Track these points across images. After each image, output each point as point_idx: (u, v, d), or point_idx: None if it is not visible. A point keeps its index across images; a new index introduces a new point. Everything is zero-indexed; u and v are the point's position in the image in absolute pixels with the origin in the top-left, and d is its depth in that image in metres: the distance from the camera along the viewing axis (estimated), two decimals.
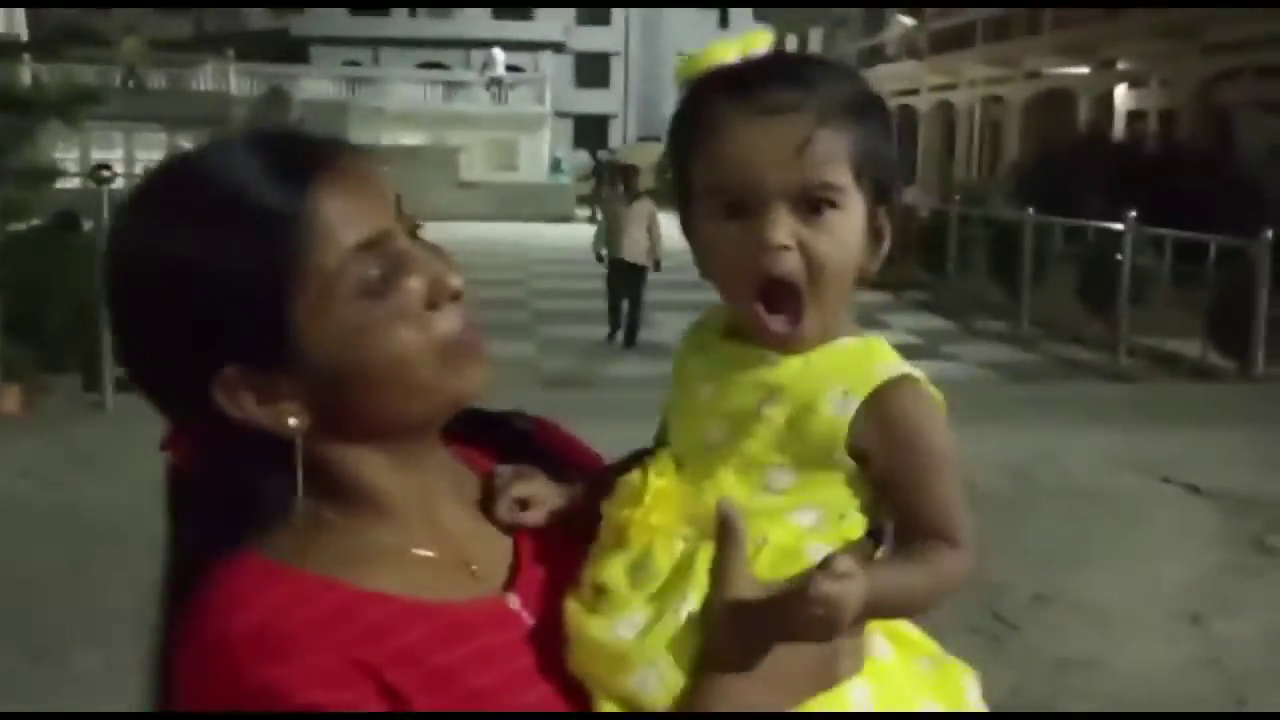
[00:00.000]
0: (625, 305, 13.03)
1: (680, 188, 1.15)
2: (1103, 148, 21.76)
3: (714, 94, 1.11)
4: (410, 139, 37.33)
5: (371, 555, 1.06)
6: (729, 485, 1.10)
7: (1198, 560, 6.08)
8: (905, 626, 1.17)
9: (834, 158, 1.09)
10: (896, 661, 1.14)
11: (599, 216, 17.16)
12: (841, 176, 1.09)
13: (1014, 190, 19.89)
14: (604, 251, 13.23)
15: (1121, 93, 27.07)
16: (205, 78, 38.07)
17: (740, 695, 1.03)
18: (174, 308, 1.02)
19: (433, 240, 1.10)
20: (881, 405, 1.09)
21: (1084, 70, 27.24)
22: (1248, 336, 11.18)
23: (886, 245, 1.16)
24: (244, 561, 1.02)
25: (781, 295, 1.10)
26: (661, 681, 1.05)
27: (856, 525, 1.11)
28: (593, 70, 60.61)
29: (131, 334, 1.07)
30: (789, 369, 1.12)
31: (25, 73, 10.03)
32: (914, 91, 35.25)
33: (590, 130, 57.61)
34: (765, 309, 1.10)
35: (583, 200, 35.17)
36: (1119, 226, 13.05)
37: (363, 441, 1.07)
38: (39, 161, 10.90)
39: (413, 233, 1.08)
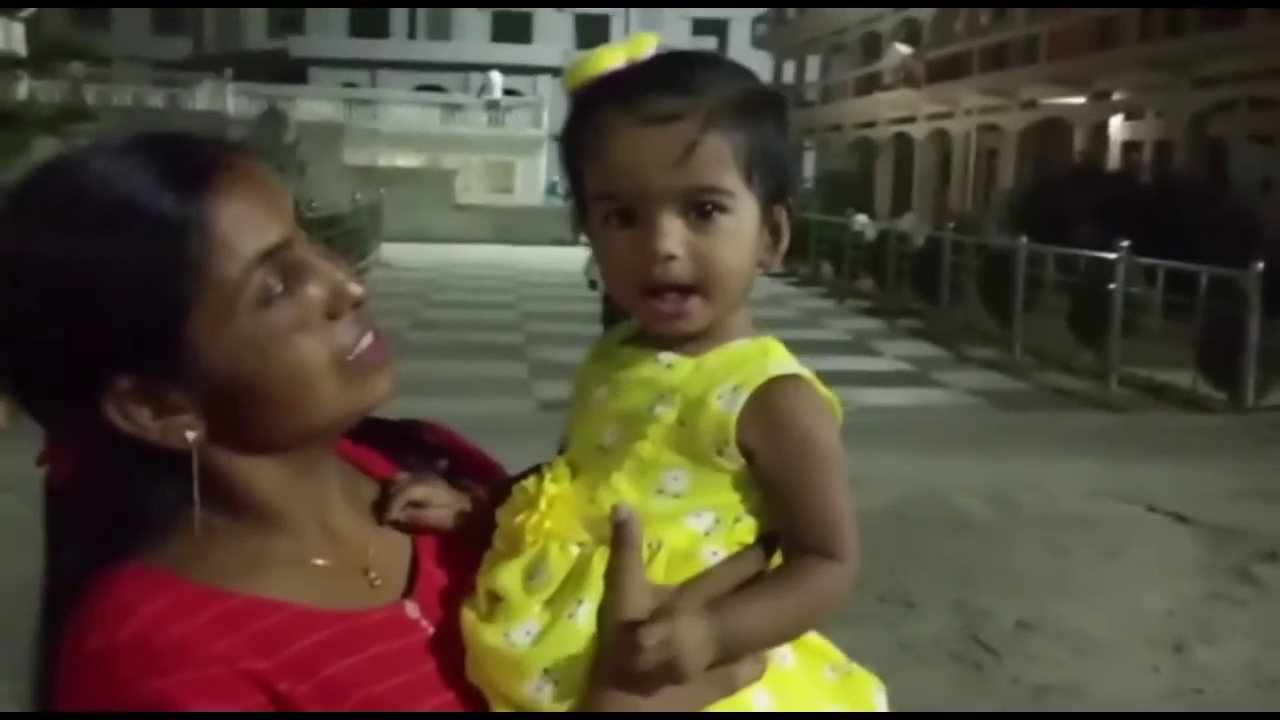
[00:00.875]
0: None
1: (574, 195, 1.16)
2: (1097, 177, 21.83)
3: (599, 103, 1.10)
4: (407, 160, 37.48)
5: (263, 564, 1.03)
6: (623, 489, 1.09)
7: (1182, 589, 6.06)
8: (812, 635, 1.15)
9: (720, 162, 1.08)
10: (799, 669, 1.12)
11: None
12: (728, 180, 1.09)
13: (1008, 218, 19.95)
14: (597, 278, 12.76)
15: (1117, 123, 27.18)
16: (202, 97, 38.18)
17: (635, 704, 1.02)
18: (63, 319, 0.97)
19: (325, 250, 1.07)
20: (768, 401, 1.08)
21: (1079, 101, 27.34)
22: (1238, 367, 11.19)
23: (785, 242, 1.16)
24: (126, 573, 0.98)
25: (677, 299, 1.10)
26: (556, 689, 1.04)
27: (750, 529, 1.10)
28: (594, 32, 60.63)
29: (12, 346, 1.00)
30: (682, 369, 1.12)
31: (22, 89, 10.01)
32: (910, 119, 35.37)
33: None
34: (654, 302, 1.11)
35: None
36: (1112, 256, 13.07)
37: (258, 453, 1.04)
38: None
39: (308, 239, 1.05)
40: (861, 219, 23.51)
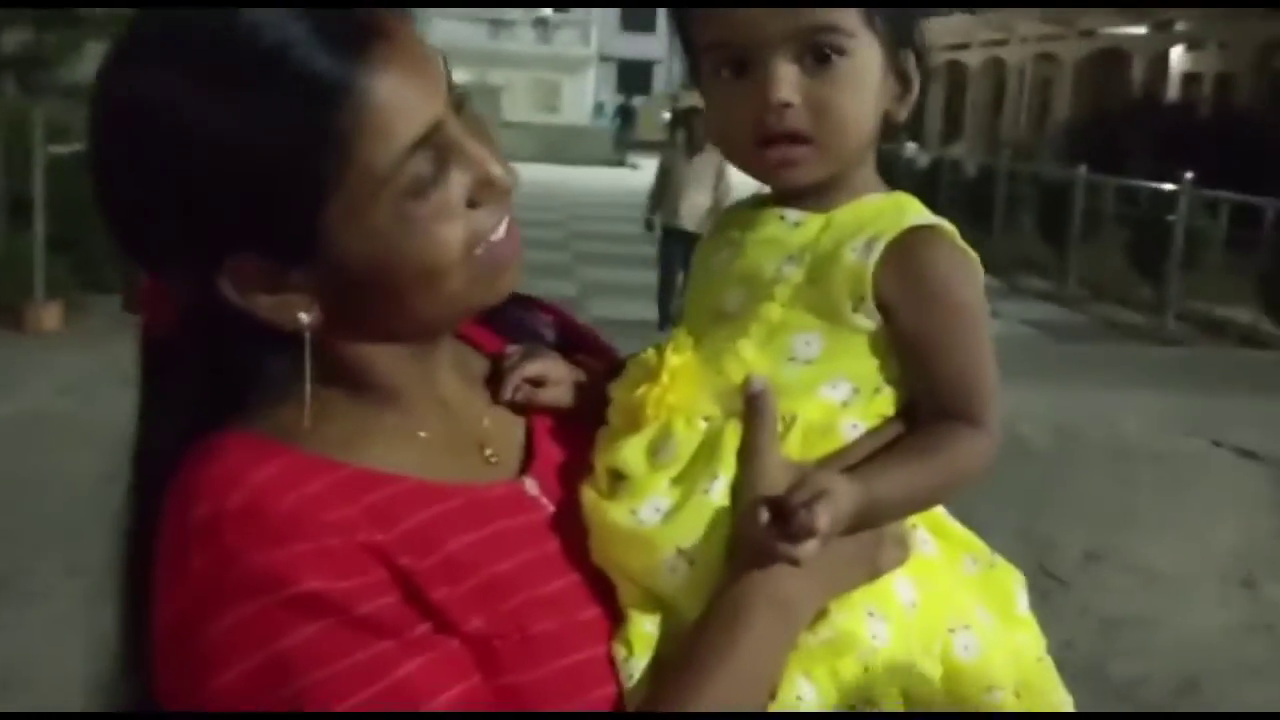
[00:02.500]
0: (682, 282, 9.61)
1: (686, 47, 1.09)
2: (1157, 109, 21.44)
3: None
4: (454, 76, 37.26)
5: (375, 435, 0.97)
6: (751, 357, 1.02)
7: (1251, 525, 5.96)
8: (951, 522, 1.10)
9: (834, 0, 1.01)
10: (942, 559, 1.07)
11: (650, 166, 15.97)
12: (847, 19, 1.02)
13: (1065, 149, 19.63)
14: (656, 218, 10.88)
15: (1178, 54, 26.63)
16: None
17: (776, 585, 0.95)
18: (192, 179, 0.88)
19: (477, 116, 0.98)
20: (908, 252, 1.01)
21: (1140, 30, 26.80)
22: None
23: (915, 91, 1.09)
24: (232, 438, 0.91)
25: (791, 148, 1.03)
26: (691, 568, 0.98)
27: (890, 400, 1.03)
28: (639, 14, 60.18)
29: (124, 201, 0.93)
30: (811, 226, 1.05)
31: None
32: (964, 46, 34.80)
33: (635, 76, 57.22)
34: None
35: (633, 146, 34.99)
36: (1173, 188, 12.82)
37: (375, 339, 0.98)
38: (86, 80, 10.86)
39: (459, 109, 0.96)
40: (912, 146, 23.22)
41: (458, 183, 0.93)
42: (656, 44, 59.76)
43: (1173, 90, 25.94)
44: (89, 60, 11.10)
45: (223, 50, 0.87)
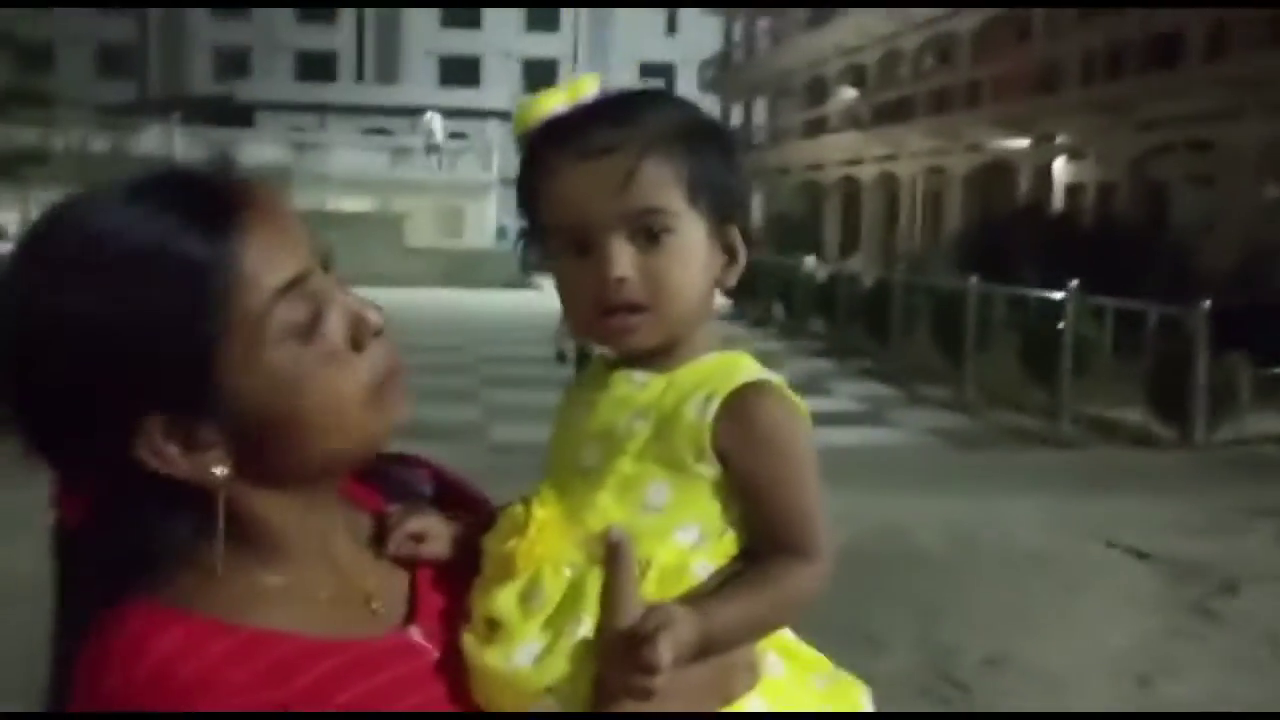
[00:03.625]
0: None
1: (532, 232, 1.21)
2: (1042, 219, 22.11)
3: (545, 143, 1.17)
4: (356, 205, 37.34)
5: (268, 596, 1.04)
6: (609, 508, 1.12)
7: (1144, 624, 6.10)
8: (797, 644, 1.20)
9: (661, 185, 1.14)
10: (790, 678, 1.17)
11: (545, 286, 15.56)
12: (672, 201, 1.14)
13: (956, 259, 20.15)
14: (567, 350, 10.15)
15: (1060, 165, 27.56)
16: (148, 141, 37.95)
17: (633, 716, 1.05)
18: (91, 366, 0.96)
19: (340, 278, 1.08)
20: (739, 406, 1.12)
21: (1024, 143, 27.72)
22: (1187, 404, 11.33)
23: (742, 261, 1.21)
24: (134, 609, 0.97)
25: (628, 316, 1.15)
26: (562, 706, 1.07)
27: (734, 541, 1.14)
28: (542, 77, 60.90)
29: (37, 394, 0.99)
30: (655, 386, 1.16)
31: None
32: (858, 162, 35.71)
33: None
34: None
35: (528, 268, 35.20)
36: (1060, 296, 13.21)
37: (277, 486, 1.04)
38: None
39: (325, 266, 1.06)
40: (811, 260, 23.69)
41: (335, 327, 1.02)
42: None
43: (1058, 200, 26.78)
44: None
45: (99, 252, 0.97)
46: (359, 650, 1.03)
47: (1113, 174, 24.76)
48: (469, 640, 1.09)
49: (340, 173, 39.91)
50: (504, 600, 1.09)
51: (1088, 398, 12.58)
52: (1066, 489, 9.09)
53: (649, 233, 1.14)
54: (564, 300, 1.19)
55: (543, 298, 28.25)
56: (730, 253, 1.20)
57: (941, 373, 15.74)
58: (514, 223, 1.20)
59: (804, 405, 1.17)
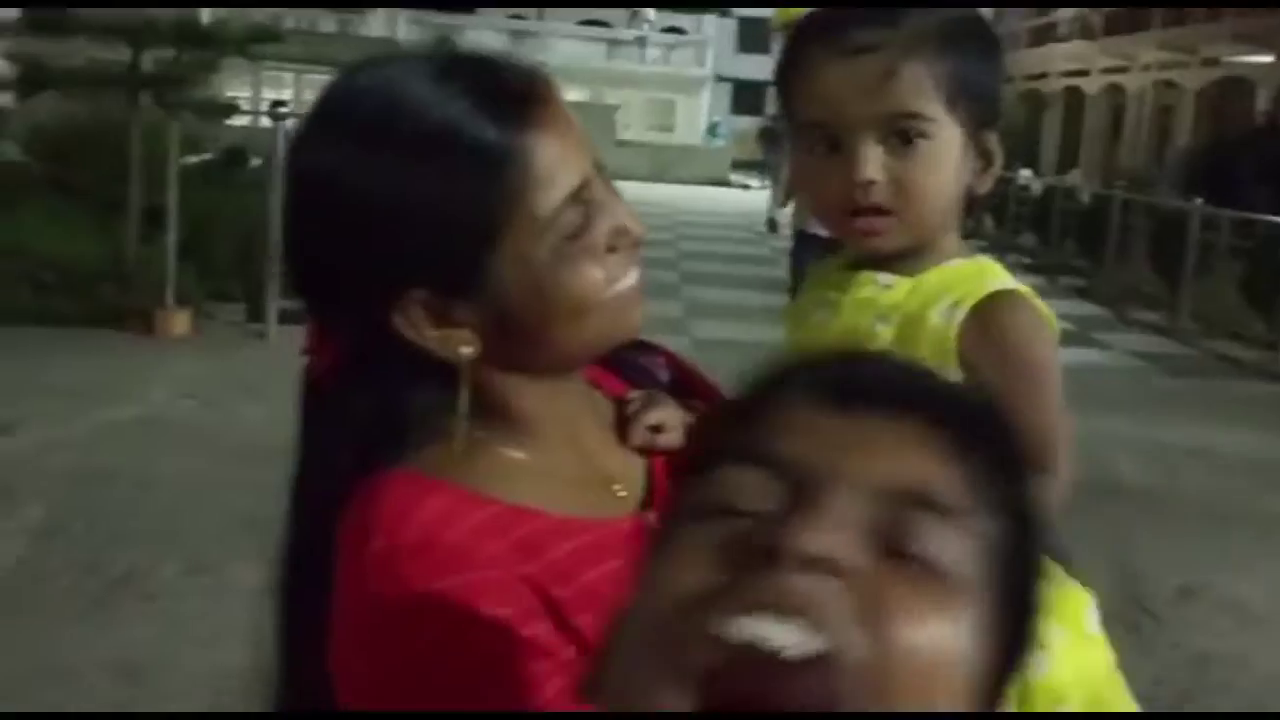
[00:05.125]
0: None
1: (790, 127, 1.22)
2: (1276, 139, 20.97)
3: (805, 39, 1.17)
4: (571, 95, 37.51)
5: (518, 473, 1.07)
6: None
7: None
8: None
9: (919, 88, 1.13)
10: None
11: (772, 181, 15.93)
12: (928, 106, 1.14)
13: (1181, 179, 19.31)
14: (778, 218, 10.96)
15: None
16: (374, 24, 38.71)
17: None
18: (376, 229, 1.01)
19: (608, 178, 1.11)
20: (987, 316, 1.13)
21: (1265, 59, 26.24)
22: None
23: (997, 167, 1.20)
24: (399, 477, 1.02)
25: (874, 219, 1.16)
26: None
27: None
28: (754, 36, 60.14)
29: (315, 251, 1.06)
30: (900, 289, 1.17)
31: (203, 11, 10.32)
32: (1083, 73, 34.31)
33: (748, 97, 57.27)
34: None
35: (741, 165, 35.02)
36: None
37: (521, 371, 1.08)
38: (216, 97, 11.26)
39: (599, 168, 1.09)
40: (1026, 173, 22.96)
41: (600, 230, 1.06)
42: (771, 66, 59.45)
43: None
44: (222, 77, 11.51)
45: (396, 128, 1.01)
46: (602, 531, 1.06)
47: None
48: None
49: (556, 62, 40.09)
50: None
51: None
52: (1278, 424, 8.76)
53: (903, 136, 1.14)
54: (812, 196, 1.20)
55: (752, 196, 28.08)
56: (986, 158, 1.19)
57: (1156, 297, 15.19)
58: (726, 119, 1.23)
59: (1052, 317, 1.16)
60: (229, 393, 7.50)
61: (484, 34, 40.86)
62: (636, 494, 1.16)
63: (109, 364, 8.04)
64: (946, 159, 1.16)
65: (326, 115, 1.05)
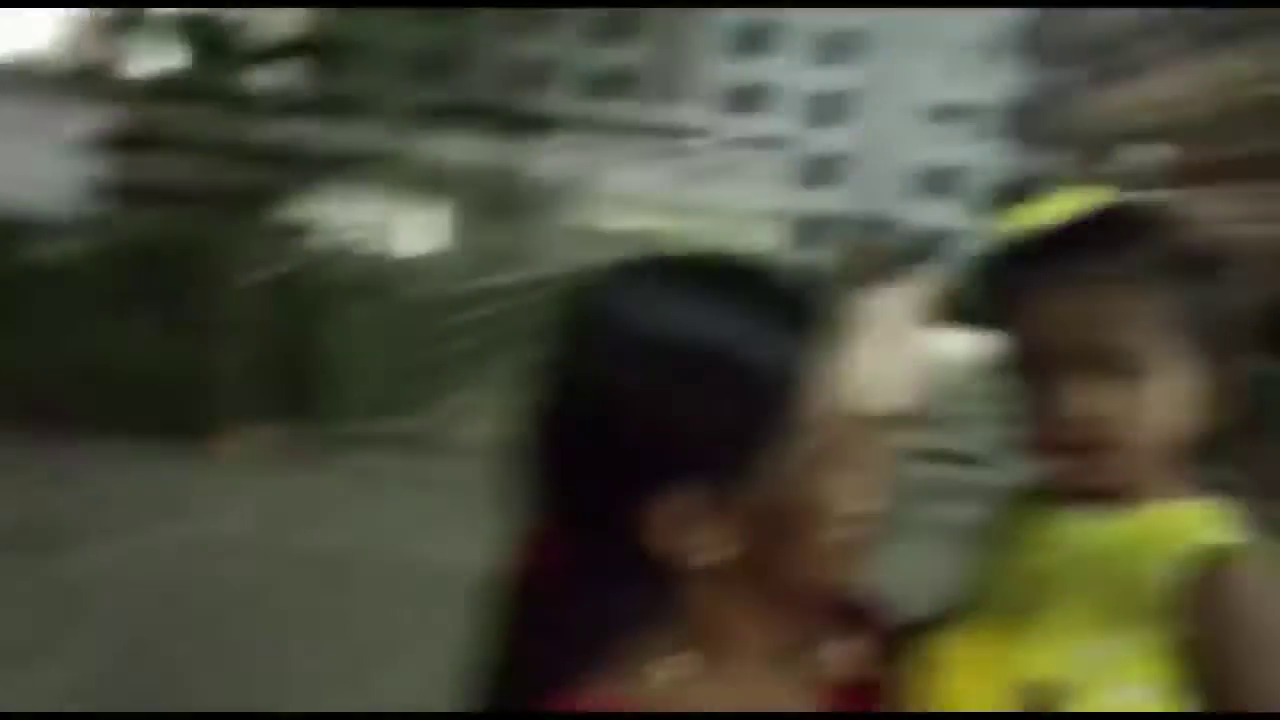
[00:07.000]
0: None
1: (1002, 345, 1.15)
2: None
3: (1024, 258, 1.11)
4: (635, 222, 38.02)
5: (698, 697, 1.00)
6: (1041, 657, 1.04)
7: None
8: None
9: (1133, 322, 1.06)
10: None
11: None
12: (1144, 341, 1.06)
13: (1268, 338, 19.07)
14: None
15: None
16: (444, 147, 39.24)
17: None
18: (646, 439, 0.97)
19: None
20: (1216, 576, 1.02)
21: None
22: None
23: (1230, 405, 1.10)
24: (603, 701, 0.98)
25: (1074, 458, 1.08)
26: None
27: (1179, 705, 1.03)
28: (820, 170, 60.87)
29: (586, 451, 1.00)
30: (1105, 532, 1.07)
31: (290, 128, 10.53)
32: None
33: (809, 230, 57.87)
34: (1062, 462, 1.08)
35: None
36: None
37: (754, 592, 1.02)
38: (290, 216, 11.40)
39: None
40: None
41: (857, 457, 1.01)
42: (836, 197, 60.10)
43: None
44: (291, 200, 11.68)
45: (667, 347, 0.98)
46: None
47: None
48: None
49: (620, 191, 40.66)
50: None
51: None
52: None
53: (1118, 372, 1.06)
54: (1027, 421, 1.12)
55: None
56: (1225, 393, 1.10)
57: (1245, 458, 14.78)
58: (995, 330, 1.15)
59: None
60: (286, 512, 7.45)
61: (554, 159, 41.54)
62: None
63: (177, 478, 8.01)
64: (1164, 395, 1.07)
65: (636, 282, 1.02)
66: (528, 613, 1.07)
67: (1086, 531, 1.08)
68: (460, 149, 39.18)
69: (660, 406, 0.97)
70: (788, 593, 1.03)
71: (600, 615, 1.01)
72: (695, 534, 0.98)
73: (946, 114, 57.46)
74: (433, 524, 7.08)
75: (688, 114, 57.58)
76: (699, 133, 52.54)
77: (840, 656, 1.10)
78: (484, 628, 1.09)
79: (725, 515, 0.98)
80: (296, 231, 10.96)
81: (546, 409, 1.02)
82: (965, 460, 9.11)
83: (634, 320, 1.00)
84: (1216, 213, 30.59)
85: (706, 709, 1.01)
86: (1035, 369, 1.10)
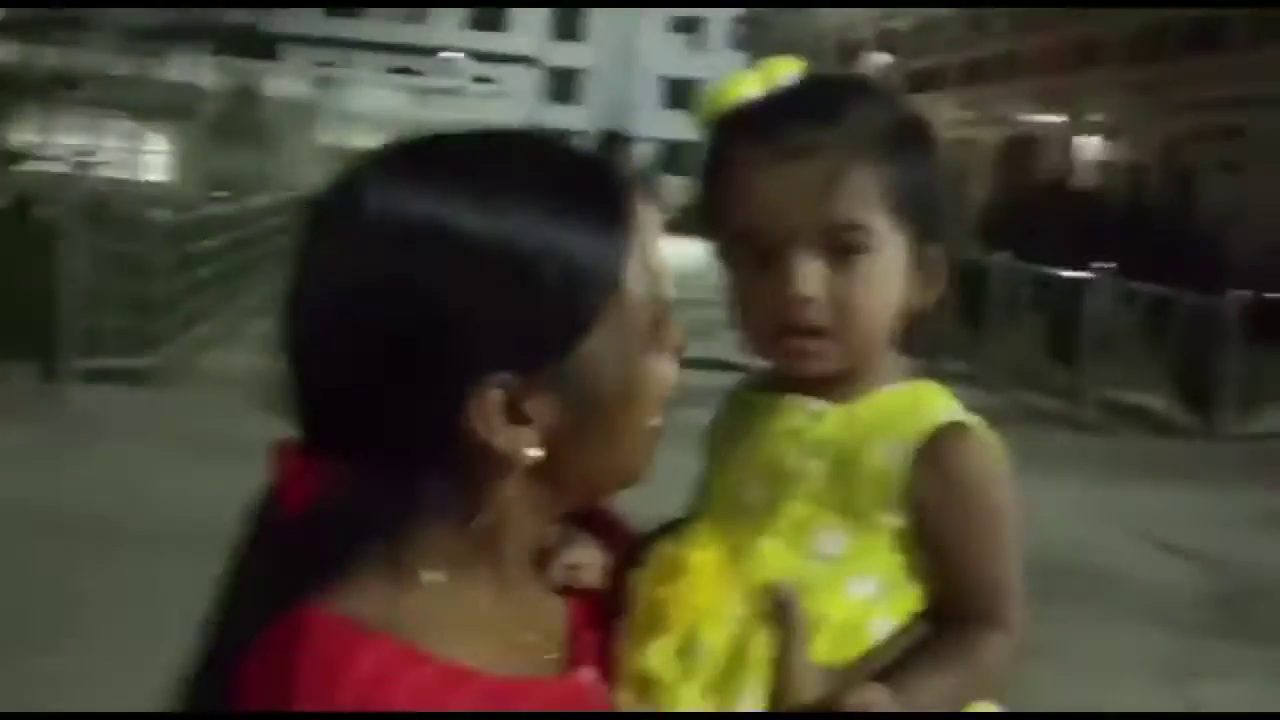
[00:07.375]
0: None
1: (714, 233, 1.09)
2: (1070, 197, 21.94)
3: (735, 135, 1.05)
4: (377, 142, 37.11)
5: (461, 625, 0.93)
6: (774, 555, 1.01)
7: (1176, 620, 6.05)
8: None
9: (862, 197, 1.02)
10: None
11: None
12: (871, 217, 1.02)
13: (981, 233, 20.01)
14: None
15: (1091, 144, 27.33)
16: (176, 69, 37.57)
17: None
18: (473, 302, 0.87)
19: None
20: (939, 452, 1.01)
21: (1056, 120, 27.49)
22: (1214, 395, 11.23)
23: (941, 284, 1.08)
24: (320, 623, 0.88)
25: (808, 340, 1.04)
26: None
27: (914, 596, 1.02)
28: (563, 86, 60.58)
29: (377, 330, 0.89)
30: (832, 419, 1.04)
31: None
32: None
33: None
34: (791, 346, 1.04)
35: None
36: (1086, 276, 13.05)
37: (551, 493, 0.96)
38: (8, 143, 10.71)
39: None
40: None
41: (673, 333, 0.97)
42: (580, 117, 60.09)
43: (1087, 179, 26.56)
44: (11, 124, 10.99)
45: (526, 184, 0.91)
46: (539, 694, 0.94)
47: (1144, 156, 24.56)
48: (624, 698, 0.99)
49: (363, 111, 39.65)
50: (660, 657, 0.98)
51: (1111, 382, 12.45)
52: (1085, 474, 9.03)
53: (844, 249, 1.02)
54: (740, 314, 1.07)
55: None
56: (930, 272, 1.07)
57: (962, 347, 15.60)
58: (704, 216, 1.09)
59: (1001, 450, 1.05)
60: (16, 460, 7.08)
61: (289, 81, 40.24)
62: (563, 645, 1.02)
63: None
64: (889, 274, 1.04)
65: (409, 163, 0.93)
66: (274, 534, 0.95)
67: (814, 420, 1.04)
68: (197, 71, 37.53)
69: (458, 298, 0.87)
70: (590, 489, 0.99)
71: (360, 524, 0.91)
72: (507, 429, 0.90)
73: (684, 27, 57.79)
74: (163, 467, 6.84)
75: (431, 32, 56.42)
76: (444, 50, 51.53)
77: (584, 562, 1.06)
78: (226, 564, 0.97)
79: (539, 406, 0.90)
80: (17, 158, 10.31)
81: (313, 314, 0.91)
82: (717, 366, 9.37)
83: (462, 160, 0.93)
84: (938, 117, 31.75)
85: (463, 620, 0.94)
86: (759, 250, 1.03)
